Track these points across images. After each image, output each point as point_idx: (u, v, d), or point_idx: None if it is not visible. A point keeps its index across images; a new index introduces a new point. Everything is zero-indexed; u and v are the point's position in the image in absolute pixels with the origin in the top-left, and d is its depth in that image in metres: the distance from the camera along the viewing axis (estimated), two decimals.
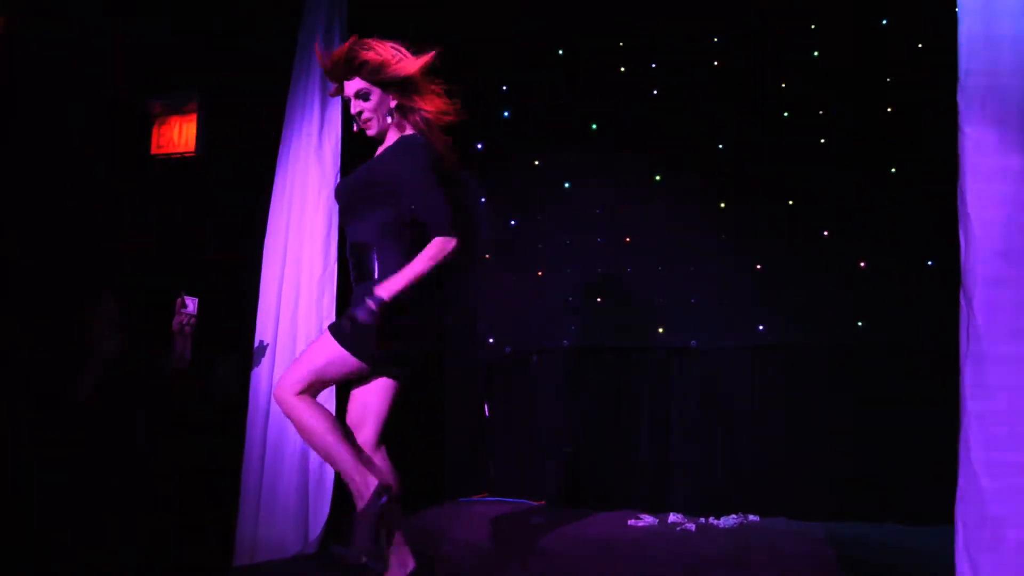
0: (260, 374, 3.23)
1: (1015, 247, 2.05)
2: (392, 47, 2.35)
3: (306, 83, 3.40)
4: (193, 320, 3.01)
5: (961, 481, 2.06)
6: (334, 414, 2.32)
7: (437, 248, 2.18)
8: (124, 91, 4.09)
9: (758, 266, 4.00)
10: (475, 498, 4.35)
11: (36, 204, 3.45)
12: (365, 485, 2.16)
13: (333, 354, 2.19)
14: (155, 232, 4.02)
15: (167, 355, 3.09)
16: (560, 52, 4.37)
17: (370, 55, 2.31)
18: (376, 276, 2.23)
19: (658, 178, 4.17)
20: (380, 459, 2.34)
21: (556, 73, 4.36)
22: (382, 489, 2.15)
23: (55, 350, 3.18)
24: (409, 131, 2.37)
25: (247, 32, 4.00)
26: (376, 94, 2.36)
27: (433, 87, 2.37)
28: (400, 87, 2.35)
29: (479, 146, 4.48)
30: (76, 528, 2.90)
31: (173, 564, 3.00)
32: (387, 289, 2.10)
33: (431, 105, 2.36)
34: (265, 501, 3.09)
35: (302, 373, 2.18)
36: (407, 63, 2.33)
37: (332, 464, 2.21)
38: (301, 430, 2.18)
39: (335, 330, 2.19)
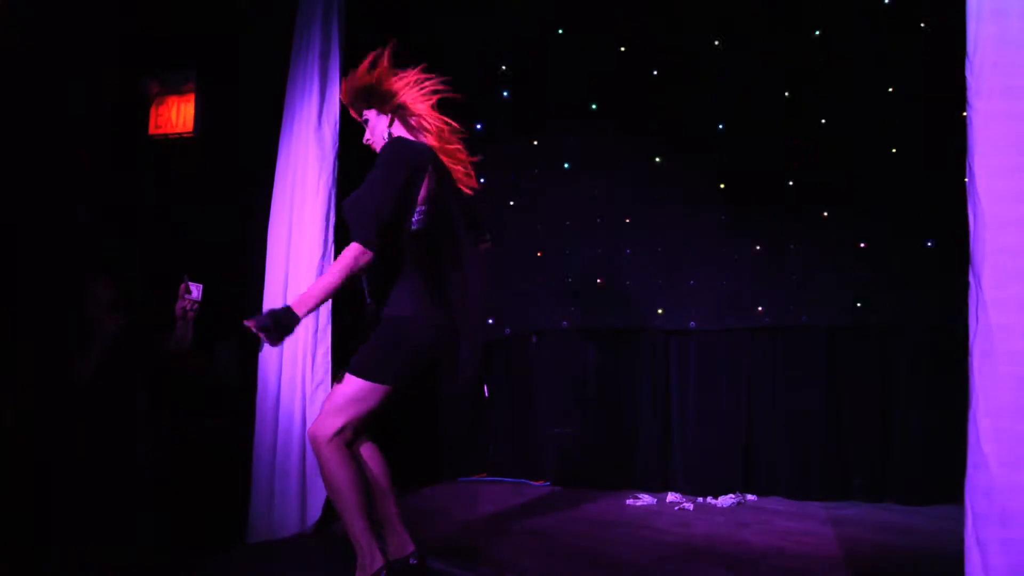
0: (269, 359, 3.24)
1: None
2: (366, 68, 2.33)
3: (305, 63, 3.37)
4: (196, 305, 3.02)
5: (970, 473, 2.04)
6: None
7: (350, 258, 2.08)
8: (122, 71, 4.06)
9: (757, 247, 3.99)
10: (474, 478, 4.38)
11: (33, 186, 3.44)
12: (371, 557, 2.20)
13: (361, 390, 2.20)
14: (154, 214, 4.02)
15: (167, 338, 3.10)
16: (560, 31, 4.33)
17: (348, 88, 2.35)
18: (386, 298, 2.23)
19: (658, 160, 4.14)
20: (368, 452, 2.37)
21: (556, 53, 4.33)
22: (383, 569, 2.19)
23: (55, 334, 3.19)
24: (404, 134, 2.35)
25: (245, 10, 3.96)
26: (371, 117, 2.38)
27: (420, 94, 2.34)
28: (382, 102, 2.35)
29: (478, 126, 4.45)
30: (84, 510, 2.93)
31: (182, 542, 3.02)
32: (300, 307, 2.07)
33: (422, 108, 2.34)
34: (278, 484, 3.14)
35: (336, 420, 2.18)
36: (385, 82, 2.32)
37: (344, 522, 2.22)
38: (326, 478, 2.20)
39: (356, 368, 2.20)
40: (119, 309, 3.16)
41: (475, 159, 2.40)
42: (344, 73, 3.32)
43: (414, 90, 2.33)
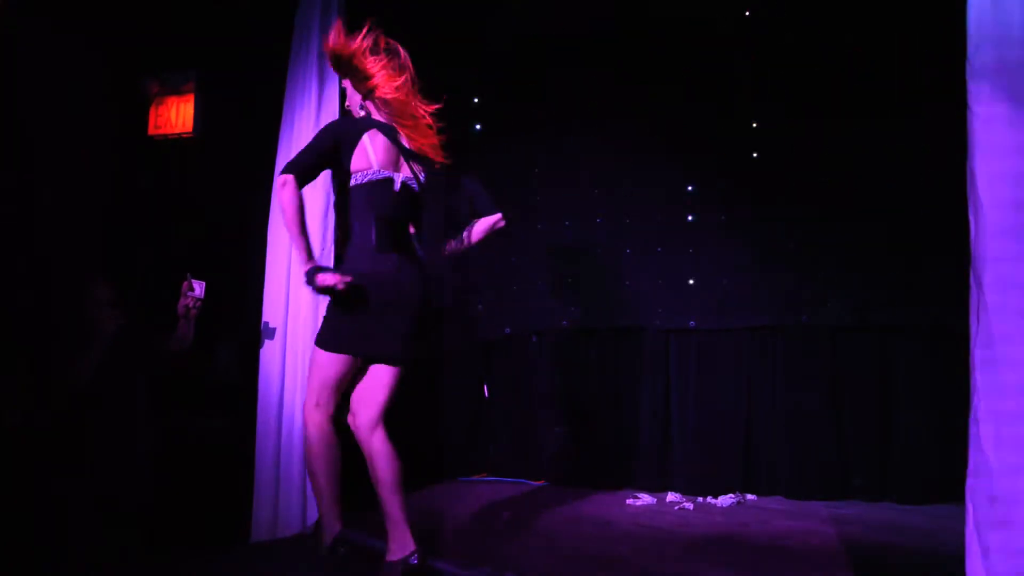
0: (271, 358, 3.24)
1: None
2: (334, 37, 2.42)
3: (305, 62, 3.38)
4: (199, 304, 3.01)
5: (971, 458, 2.05)
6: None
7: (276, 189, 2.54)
8: (122, 71, 4.06)
9: (757, 247, 3.99)
10: (474, 478, 4.38)
11: (33, 186, 3.44)
12: (329, 526, 2.44)
13: (315, 357, 2.41)
14: (154, 213, 4.02)
15: (168, 337, 3.09)
16: (558, 30, 4.33)
17: (328, 51, 2.46)
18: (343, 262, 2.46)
19: (659, 160, 4.15)
20: (378, 440, 2.41)
21: (557, 53, 4.34)
22: (337, 542, 2.37)
23: (56, 334, 3.19)
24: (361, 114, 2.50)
25: (244, 10, 3.97)
26: (348, 87, 2.53)
27: (376, 63, 2.42)
28: (346, 73, 2.46)
29: (477, 127, 4.46)
30: (84, 510, 2.93)
31: (182, 542, 3.02)
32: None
33: (377, 82, 2.42)
34: (282, 484, 3.15)
35: (310, 386, 2.41)
36: (338, 46, 2.41)
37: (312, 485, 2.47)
38: (304, 441, 2.46)
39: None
40: (119, 308, 3.16)
41: (442, 138, 2.51)
42: None
43: (387, 81, 2.42)
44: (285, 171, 2.32)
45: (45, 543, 2.83)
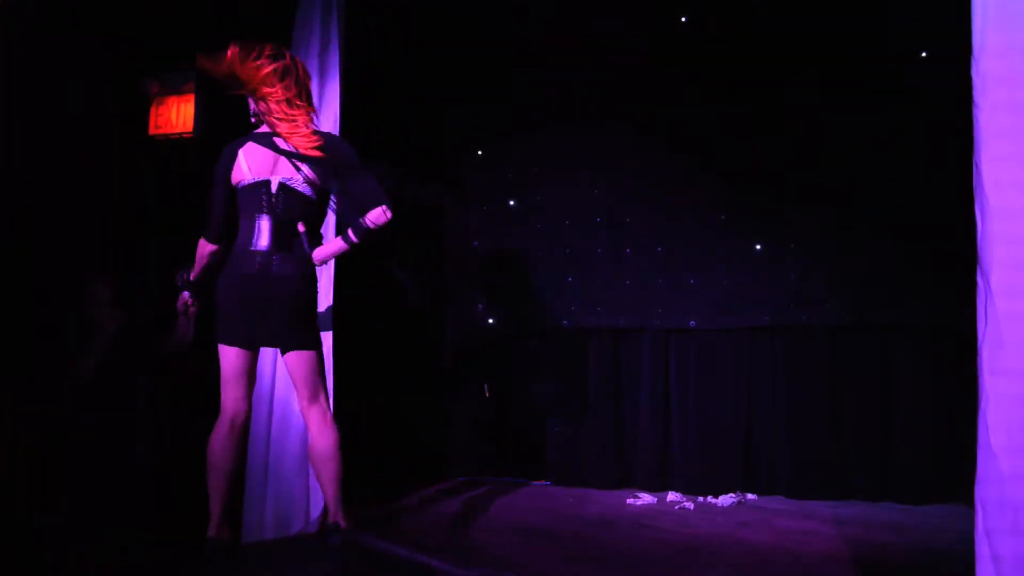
0: (262, 356, 3.22)
1: None
2: (222, 59, 2.50)
3: (305, 59, 3.36)
4: (196, 301, 3.00)
5: (980, 464, 2.03)
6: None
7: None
8: (122, 71, 4.06)
9: (757, 246, 3.99)
10: (475, 477, 4.37)
11: (34, 186, 3.44)
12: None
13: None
14: (154, 213, 4.02)
15: (168, 338, 3.09)
16: (556, 30, 4.33)
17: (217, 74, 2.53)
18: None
19: (658, 159, 4.15)
20: (314, 418, 2.58)
21: (554, 53, 4.34)
22: (211, 543, 2.50)
23: (56, 334, 3.19)
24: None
25: (244, 10, 3.97)
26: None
27: (248, 70, 2.49)
28: (229, 84, 2.54)
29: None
30: (84, 509, 2.92)
31: (180, 542, 3.01)
32: None
33: (253, 87, 2.51)
34: (272, 485, 3.12)
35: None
36: (212, 63, 2.51)
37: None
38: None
39: None
40: (119, 308, 3.15)
41: (314, 139, 2.56)
42: (344, 68, 3.34)
43: (261, 86, 2.51)
44: (203, 238, 2.70)
45: (45, 542, 2.83)
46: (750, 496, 3.84)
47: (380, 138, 4.22)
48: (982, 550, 2.00)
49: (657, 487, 3.99)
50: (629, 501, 3.79)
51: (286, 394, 3.13)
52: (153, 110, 4.24)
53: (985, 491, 2.01)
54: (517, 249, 4.33)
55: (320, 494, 3.11)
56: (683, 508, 3.67)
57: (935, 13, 3.47)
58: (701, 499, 3.82)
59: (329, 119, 3.29)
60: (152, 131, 4.21)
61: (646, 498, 3.82)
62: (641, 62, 4.17)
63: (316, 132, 2.59)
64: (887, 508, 3.65)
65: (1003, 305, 2.01)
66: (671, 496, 3.86)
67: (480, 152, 4.52)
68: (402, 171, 3.74)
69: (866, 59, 3.81)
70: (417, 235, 4.49)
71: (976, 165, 2.06)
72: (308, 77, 2.65)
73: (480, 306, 4.45)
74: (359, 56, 3.57)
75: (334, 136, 2.78)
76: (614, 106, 4.21)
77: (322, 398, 2.60)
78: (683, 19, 4.10)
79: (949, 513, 3.47)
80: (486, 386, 4.44)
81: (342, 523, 2.58)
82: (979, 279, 2.06)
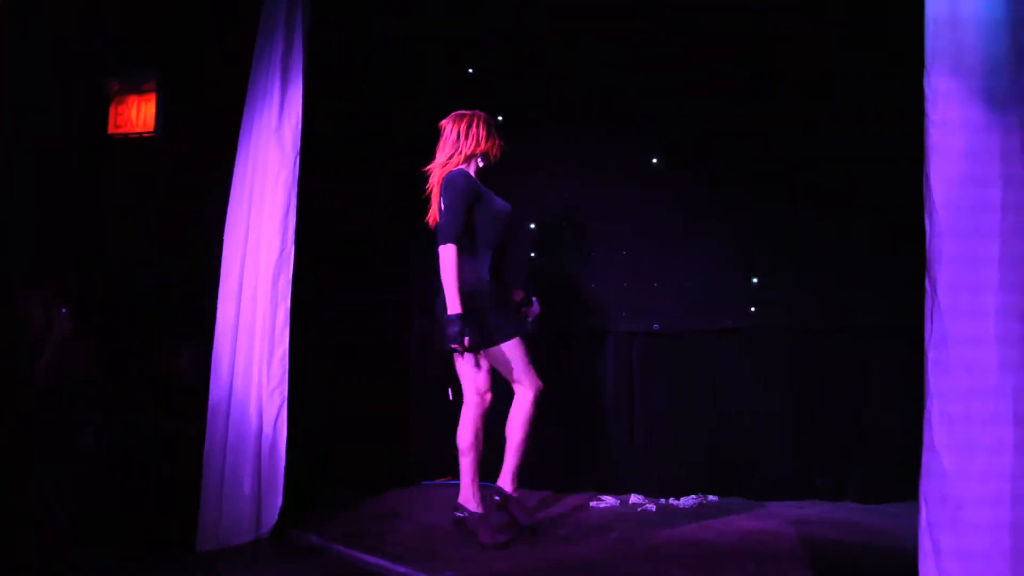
0: (221, 359, 3.19)
1: (978, 226, 2.08)
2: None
3: (268, 63, 3.34)
4: (63, 329, 2.93)
5: (924, 460, 2.10)
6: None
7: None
8: (82, 68, 3.99)
9: (720, 249, 4.02)
10: (438, 481, 4.36)
11: None
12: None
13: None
14: (114, 214, 3.95)
15: (40, 364, 3.01)
16: (520, 32, 4.34)
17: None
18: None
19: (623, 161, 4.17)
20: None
21: (514, 57, 4.35)
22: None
23: (12, 336, 3.12)
24: None
25: (208, 10, 3.92)
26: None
27: None
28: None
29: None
30: (38, 515, 2.86)
31: (135, 549, 2.97)
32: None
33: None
34: (228, 488, 3.07)
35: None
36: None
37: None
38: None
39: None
40: (70, 310, 3.10)
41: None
42: (307, 72, 3.32)
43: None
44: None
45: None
46: (712, 497, 3.87)
47: (343, 141, 4.21)
48: (924, 544, 2.06)
49: (620, 490, 4.00)
50: (592, 504, 3.80)
51: (244, 396, 3.10)
52: (113, 109, 4.17)
53: (928, 486, 2.08)
54: None
55: (272, 501, 3.08)
56: (645, 510, 3.69)
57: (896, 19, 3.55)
58: (663, 501, 3.84)
59: (292, 120, 3.26)
60: (111, 130, 4.15)
61: (609, 500, 3.83)
62: (607, 65, 4.20)
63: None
64: (847, 508, 3.69)
65: (947, 303, 2.07)
66: (634, 498, 3.88)
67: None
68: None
69: (827, 60, 3.87)
70: (382, 235, 4.47)
71: (926, 176, 2.13)
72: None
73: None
74: (322, 60, 3.55)
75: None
76: (579, 107, 4.23)
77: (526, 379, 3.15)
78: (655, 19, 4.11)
79: (907, 512, 3.52)
80: (450, 390, 4.43)
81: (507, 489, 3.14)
82: (927, 279, 2.12)
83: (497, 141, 3.24)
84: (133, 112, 4.13)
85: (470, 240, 3.08)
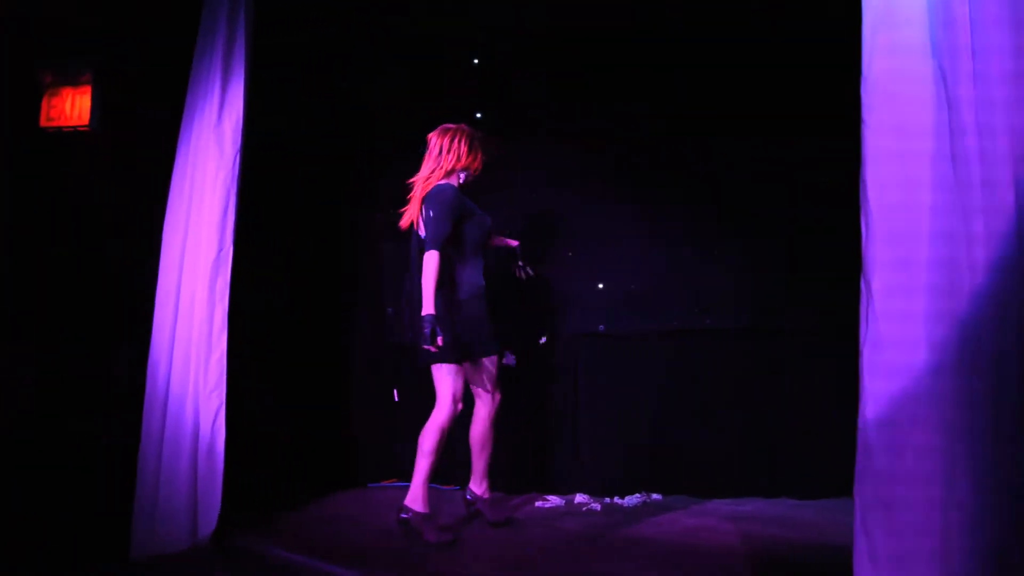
0: (158, 361, 3.11)
1: (911, 230, 2.15)
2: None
3: (209, 57, 3.27)
4: None
5: (859, 462, 2.15)
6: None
7: None
8: (13, 59, 3.84)
9: (662, 251, 4.08)
10: (384, 483, 4.32)
11: None
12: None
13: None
14: (46, 211, 3.82)
15: None
16: (464, 35, 4.33)
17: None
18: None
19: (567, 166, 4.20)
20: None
21: (447, 60, 4.35)
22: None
23: None
24: None
25: (148, 3, 3.81)
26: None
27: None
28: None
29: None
30: None
31: (66, 556, 2.87)
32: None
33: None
34: (163, 492, 2.99)
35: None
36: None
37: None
38: None
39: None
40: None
41: None
42: (249, 68, 3.25)
43: None
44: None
45: None
46: (655, 496, 3.93)
47: (287, 140, 4.14)
48: (860, 546, 2.10)
49: (565, 490, 4.03)
50: (538, 504, 3.82)
51: (181, 392, 3.02)
52: (45, 101, 4.02)
53: (862, 489, 2.12)
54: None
55: (211, 506, 3.02)
56: (590, 509, 3.73)
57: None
58: (608, 500, 3.88)
59: (232, 117, 3.19)
60: (44, 123, 4.00)
61: (554, 500, 3.86)
62: (543, 60, 4.21)
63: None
64: (783, 504, 3.79)
65: (881, 306, 2.13)
66: (579, 498, 3.91)
67: (385, 156, 4.47)
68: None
69: (763, 65, 3.96)
70: (325, 233, 4.42)
71: (863, 180, 2.18)
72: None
73: (389, 310, 4.41)
74: (266, 55, 3.48)
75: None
76: (519, 111, 4.24)
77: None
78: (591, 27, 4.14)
79: (838, 507, 3.64)
80: (395, 390, 4.40)
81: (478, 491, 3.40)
82: (862, 281, 2.18)
83: (479, 156, 3.33)
84: (67, 105, 3.99)
85: (463, 250, 3.22)
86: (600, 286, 4.14)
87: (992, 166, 2.10)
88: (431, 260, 3.04)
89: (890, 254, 2.15)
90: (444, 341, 3.03)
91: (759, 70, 3.96)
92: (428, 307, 3.00)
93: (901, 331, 2.11)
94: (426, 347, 2.98)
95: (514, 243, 3.69)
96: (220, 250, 3.06)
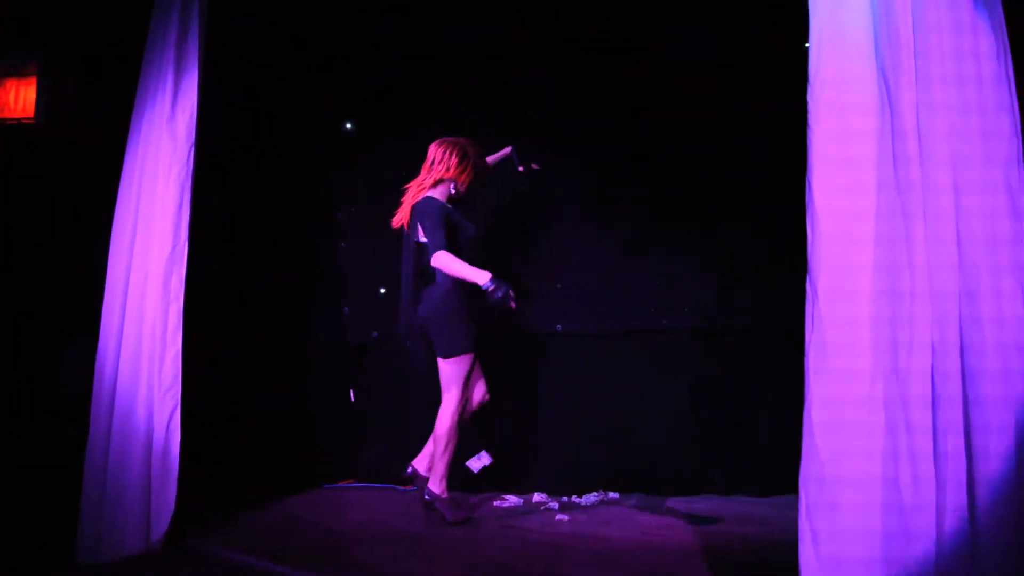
0: (106, 359, 3.02)
1: (854, 235, 2.19)
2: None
3: (161, 50, 3.17)
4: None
5: (803, 464, 2.20)
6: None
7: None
8: None
9: (621, 252, 4.11)
10: (341, 484, 4.27)
11: None
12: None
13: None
14: None
15: None
16: (415, 36, 4.32)
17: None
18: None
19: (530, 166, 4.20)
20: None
21: (404, 60, 4.33)
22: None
23: None
24: None
25: None
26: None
27: None
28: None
29: (348, 126, 4.39)
30: None
31: (7, 562, 2.78)
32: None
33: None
34: (111, 495, 2.90)
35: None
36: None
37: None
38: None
39: None
40: None
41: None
42: (203, 59, 3.18)
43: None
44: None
45: None
46: (612, 494, 3.95)
47: (243, 132, 4.07)
48: (803, 530, 2.15)
49: (524, 489, 4.03)
50: (496, 503, 3.82)
51: (131, 399, 2.94)
52: None
53: (807, 490, 2.17)
54: (382, 251, 4.23)
55: (164, 508, 2.94)
56: (548, 508, 3.74)
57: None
58: (566, 499, 3.90)
59: (186, 111, 3.11)
60: None
61: (512, 499, 3.86)
62: (500, 57, 4.22)
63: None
64: (738, 501, 3.85)
65: (827, 310, 2.17)
66: (537, 497, 3.92)
67: (346, 152, 4.43)
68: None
69: (723, 72, 4.01)
70: (282, 229, 4.35)
71: (808, 184, 2.23)
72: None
73: (346, 310, 4.36)
74: (220, 47, 3.41)
75: None
76: (480, 109, 4.24)
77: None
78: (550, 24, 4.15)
79: (795, 504, 3.70)
80: (352, 391, 4.36)
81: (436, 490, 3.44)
82: (808, 284, 2.22)
83: (468, 171, 3.51)
84: (11, 96, 3.87)
85: (457, 255, 3.35)
86: (558, 286, 4.16)
87: (932, 169, 2.16)
88: (444, 256, 3.27)
89: (834, 257, 2.19)
90: (471, 332, 3.38)
91: (718, 71, 4.02)
92: (479, 275, 3.22)
93: (844, 335, 2.16)
94: (510, 305, 3.22)
95: (507, 149, 3.83)
96: (174, 246, 2.99)
